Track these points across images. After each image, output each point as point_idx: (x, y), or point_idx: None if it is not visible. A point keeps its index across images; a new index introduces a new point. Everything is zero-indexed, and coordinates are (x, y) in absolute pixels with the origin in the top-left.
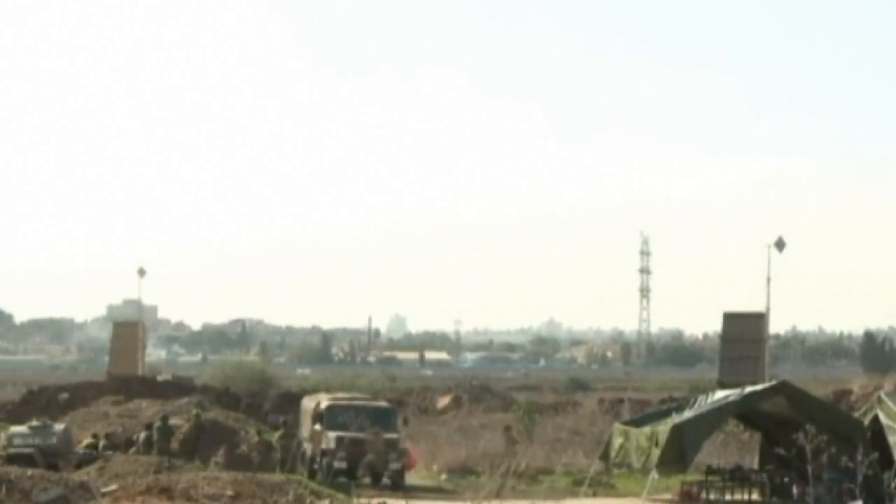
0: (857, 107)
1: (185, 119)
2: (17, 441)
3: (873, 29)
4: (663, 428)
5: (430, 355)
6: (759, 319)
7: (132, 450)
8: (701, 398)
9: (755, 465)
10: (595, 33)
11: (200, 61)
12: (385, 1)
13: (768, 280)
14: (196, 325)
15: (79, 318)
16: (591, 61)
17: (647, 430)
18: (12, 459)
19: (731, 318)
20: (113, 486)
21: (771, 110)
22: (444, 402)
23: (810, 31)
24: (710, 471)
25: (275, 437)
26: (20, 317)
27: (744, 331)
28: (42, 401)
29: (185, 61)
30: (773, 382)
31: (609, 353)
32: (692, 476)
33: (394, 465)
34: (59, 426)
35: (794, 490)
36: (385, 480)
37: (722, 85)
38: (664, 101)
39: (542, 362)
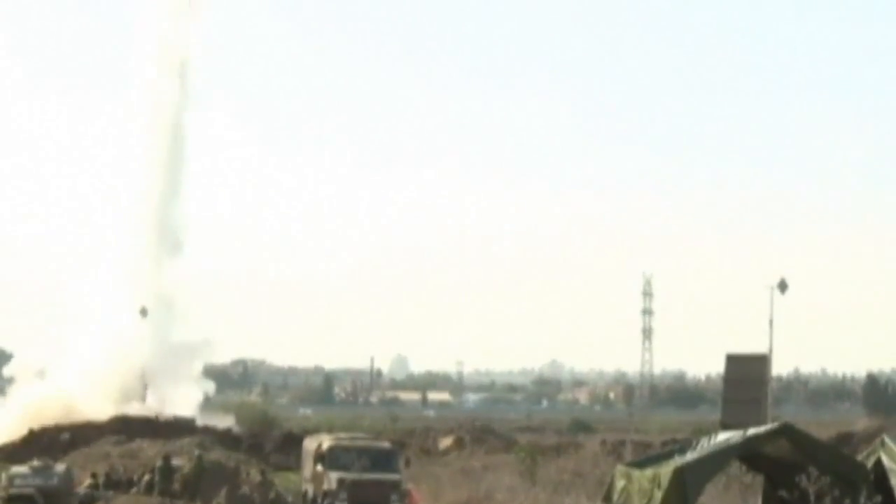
0: (860, 148)
1: None
2: (18, 481)
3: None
4: (666, 470)
5: (433, 396)
6: (761, 361)
7: (133, 490)
8: (703, 440)
9: None
10: (586, 87)
11: None
12: (375, 18)
13: (771, 322)
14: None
15: None
16: (595, 110)
17: (649, 472)
18: (13, 500)
19: (733, 360)
20: None
21: (774, 154)
22: (446, 443)
23: (816, 71)
24: None
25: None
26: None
27: (746, 373)
28: (43, 441)
29: None
30: (776, 424)
31: (611, 395)
32: None
33: None
34: (60, 466)
35: None
36: None
37: (724, 125)
38: (667, 142)
39: (545, 403)
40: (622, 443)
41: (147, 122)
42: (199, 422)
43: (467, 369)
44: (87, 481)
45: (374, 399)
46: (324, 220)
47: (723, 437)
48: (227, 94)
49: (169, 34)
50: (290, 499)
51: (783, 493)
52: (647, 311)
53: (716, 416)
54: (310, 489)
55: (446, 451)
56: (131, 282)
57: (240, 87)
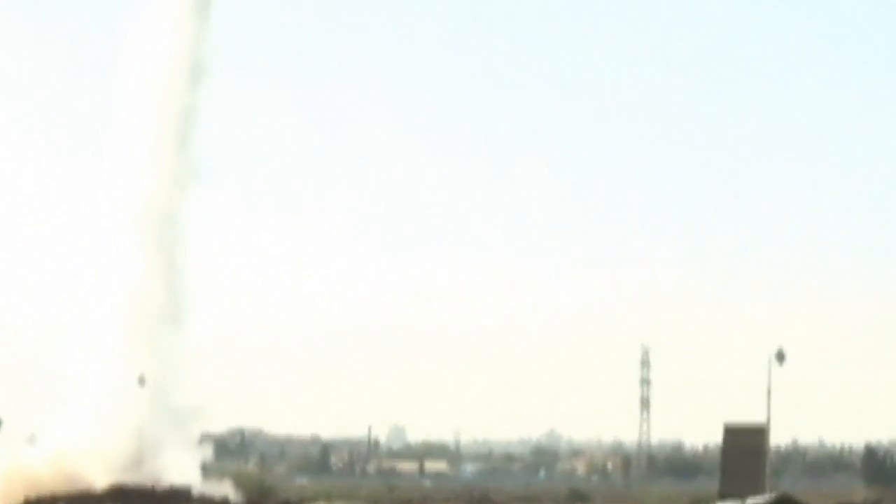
0: (857, 219)
1: None
2: None
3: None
4: None
5: (430, 465)
6: (759, 432)
7: None
8: None
9: None
10: (582, 159)
11: None
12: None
13: (768, 393)
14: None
15: None
16: (591, 182)
17: None
18: None
19: (731, 431)
20: None
21: (771, 225)
22: None
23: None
24: None
25: None
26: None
27: (744, 443)
28: None
29: None
30: (774, 495)
31: (609, 465)
32: None
33: None
34: None
35: None
36: None
37: (721, 197)
38: (664, 213)
39: (542, 473)
40: None
41: (147, 191)
42: (197, 490)
43: (465, 439)
44: None
45: (371, 469)
46: (322, 290)
47: None
48: (227, 164)
49: (169, 102)
50: None
51: None
52: (645, 381)
53: (714, 486)
54: None
55: None
56: (128, 350)
57: (241, 158)
